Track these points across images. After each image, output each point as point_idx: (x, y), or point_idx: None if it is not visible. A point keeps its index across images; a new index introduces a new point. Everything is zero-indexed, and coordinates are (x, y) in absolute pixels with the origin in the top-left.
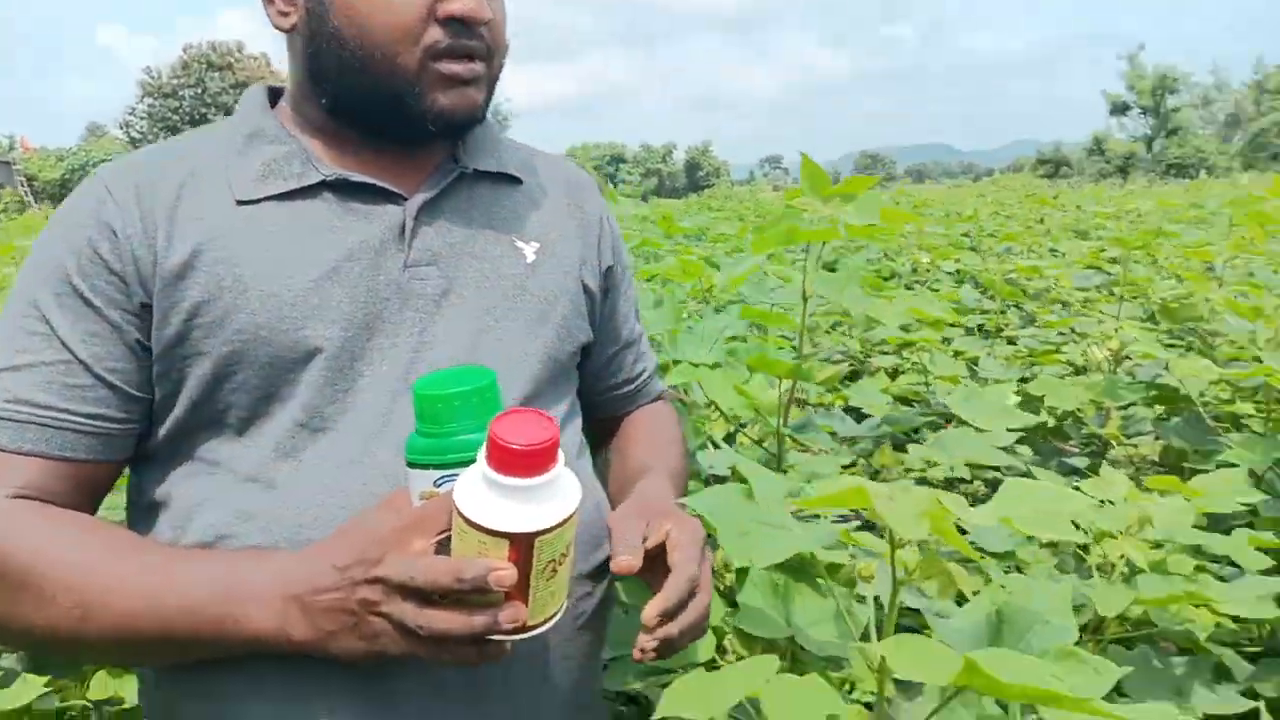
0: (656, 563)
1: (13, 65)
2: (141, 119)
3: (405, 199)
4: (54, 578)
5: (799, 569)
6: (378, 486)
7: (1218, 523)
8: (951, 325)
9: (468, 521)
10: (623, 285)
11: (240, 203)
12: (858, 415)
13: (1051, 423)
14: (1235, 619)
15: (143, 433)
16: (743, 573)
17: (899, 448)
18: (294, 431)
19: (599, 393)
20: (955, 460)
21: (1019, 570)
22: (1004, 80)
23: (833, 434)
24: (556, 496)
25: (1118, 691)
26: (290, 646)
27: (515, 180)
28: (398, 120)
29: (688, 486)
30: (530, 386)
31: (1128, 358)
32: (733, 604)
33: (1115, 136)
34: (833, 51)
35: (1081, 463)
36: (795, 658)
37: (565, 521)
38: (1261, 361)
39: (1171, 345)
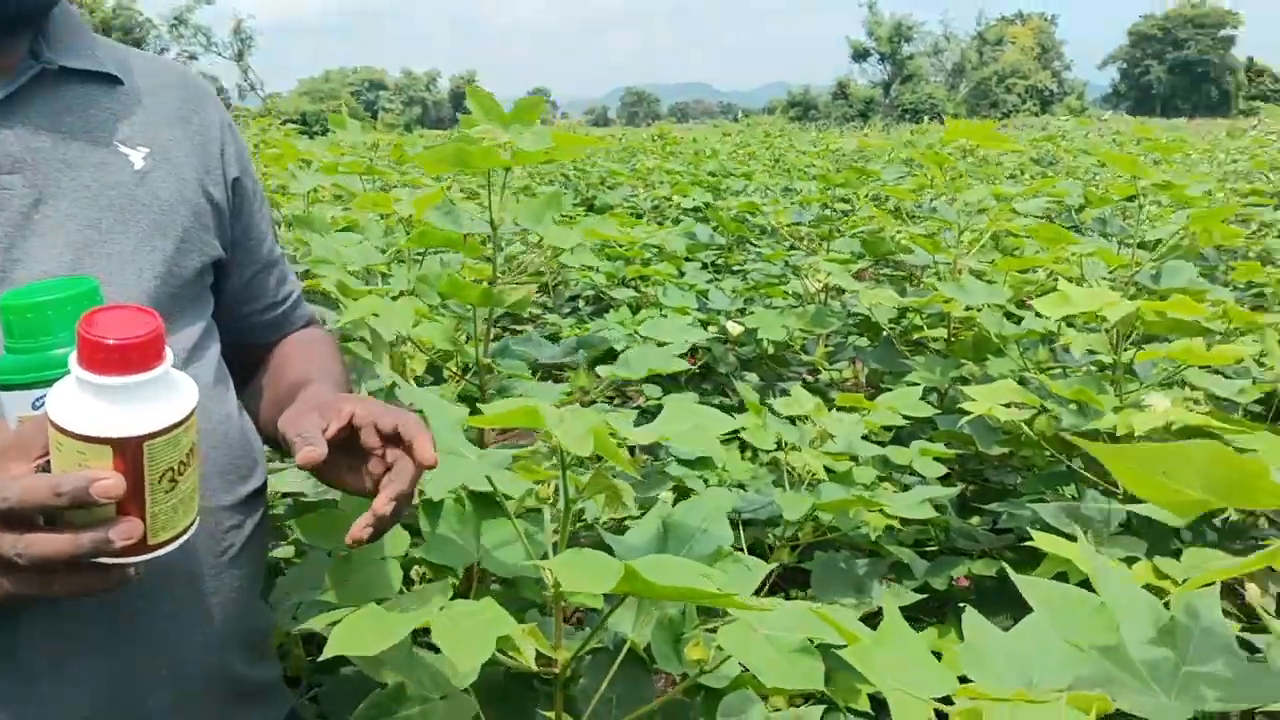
0: (344, 453)
1: None
2: None
3: None
4: None
5: (486, 496)
6: None
7: (911, 439)
8: (690, 258)
9: (62, 431)
10: (255, 201)
11: None
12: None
13: (770, 350)
14: (906, 521)
15: None
16: (430, 505)
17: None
18: None
19: (242, 318)
20: (637, 373)
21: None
22: (761, 21)
23: (533, 362)
24: (165, 397)
25: (806, 589)
26: None
27: (114, 80)
28: None
29: None
30: (154, 305)
31: (841, 290)
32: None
33: (857, 82)
34: None
35: (789, 387)
36: (484, 581)
37: (179, 425)
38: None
39: (891, 277)
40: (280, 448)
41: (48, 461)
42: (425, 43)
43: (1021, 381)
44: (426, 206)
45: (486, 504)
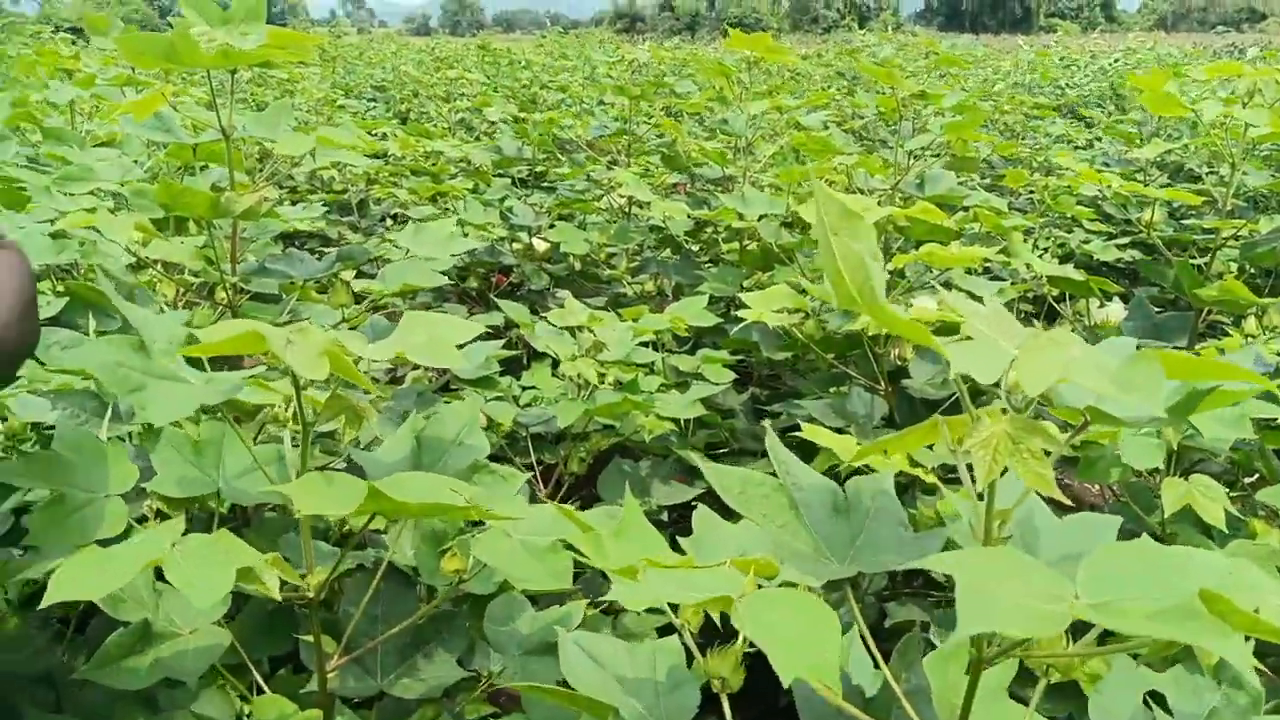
0: None
1: None
2: None
3: None
4: None
5: (222, 424)
6: None
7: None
8: (498, 175)
9: None
10: None
11: None
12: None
13: (578, 267)
14: (700, 425)
15: None
16: (153, 434)
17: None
18: None
19: None
20: (391, 287)
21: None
22: None
23: (287, 279)
24: None
25: (595, 498)
26: None
27: None
28: None
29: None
30: None
31: (644, 204)
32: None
33: None
34: None
35: (600, 302)
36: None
37: None
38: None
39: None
40: None
41: None
42: None
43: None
44: (147, 111)
45: (223, 431)
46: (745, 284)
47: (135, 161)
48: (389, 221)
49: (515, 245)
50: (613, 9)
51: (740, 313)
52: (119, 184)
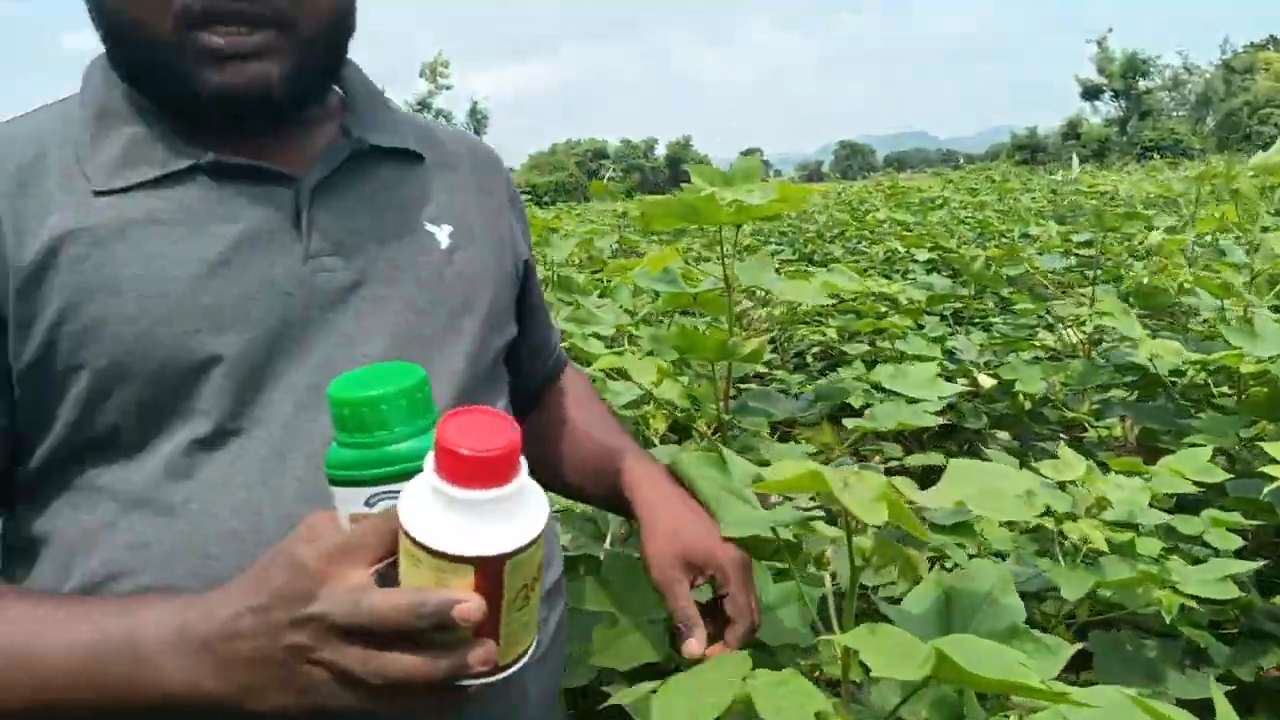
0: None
1: None
2: None
3: (295, 180)
4: None
5: (755, 551)
6: (294, 507)
7: (1196, 505)
8: (929, 311)
9: (422, 547)
10: (534, 274)
11: (99, 193)
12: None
13: (1027, 406)
14: (1201, 600)
15: (5, 468)
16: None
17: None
18: (189, 449)
19: (517, 374)
20: (885, 426)
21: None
22: (974, 65)
23: (769, 415)
24: (523, 510)
25: (1083, 672)
26: (209, 703)
27: (417, 156)
28: (187, 99)
29: None
30: (462, 386)
31: (1101, 341)
32: None
33: (1090, 121)
34: (804, 39)
35: (1055, 447)
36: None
37: (537, 540)
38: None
39: (1145, 327)
40: (576, 497)
41: (386, 567)
42: (644, 112)
43: None
44: (661, 265)
45: (758, 559)
46: (1243, 434)
47: (622, 308)
48: (809, 358)
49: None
50: (1010, 141)
51: (1266, 469)
52: (615, 328)
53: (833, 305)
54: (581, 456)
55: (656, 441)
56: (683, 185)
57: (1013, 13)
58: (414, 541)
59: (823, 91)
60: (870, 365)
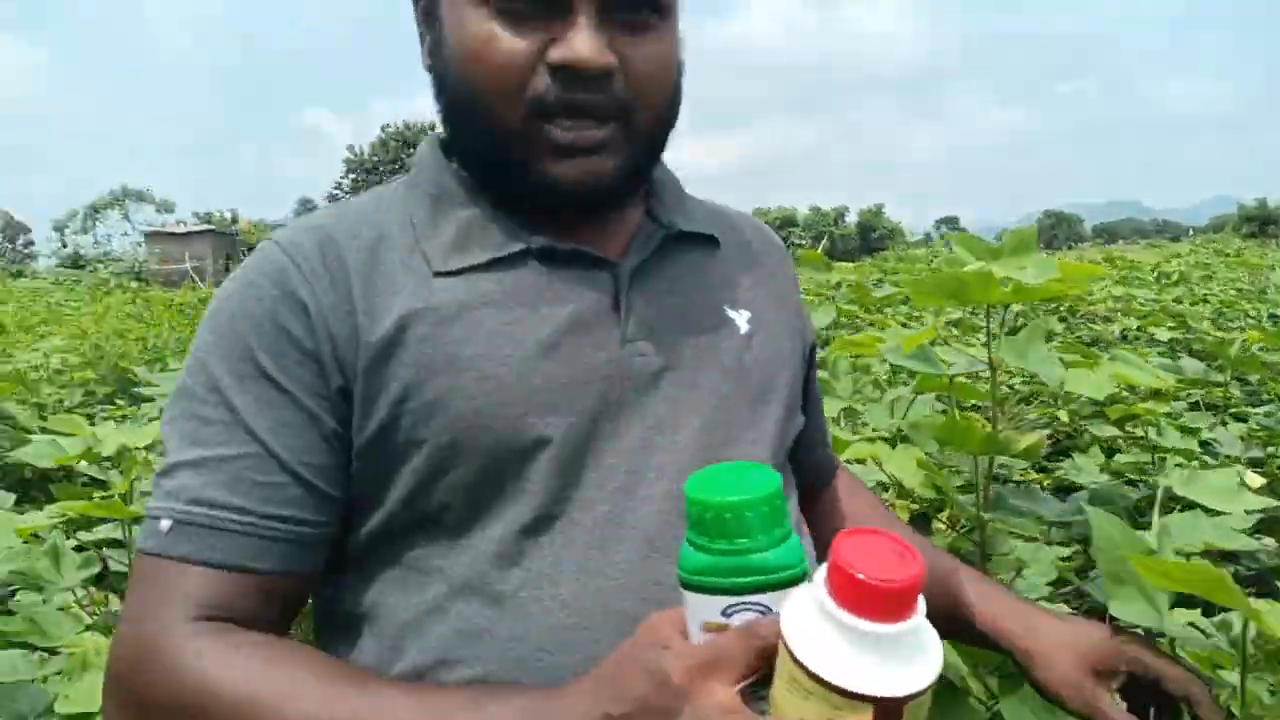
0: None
1: (231, 146)
2: (346, 193)
3: (615, 265)
4: None
5: None
6: (622, 602)
7: None
8: (1176, 398)
9: (815, 678)
10: (815, 355)
11: (438, 274)
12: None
13: None
14: None
15: (336, 537)
16: (1004, 678)
17: None
18: (518, 535)
19: (796, 471)
20: (1190, 546)
21: None
22: (1193, 133)
23: (1038, 518)
24: (922, 648)
25: None
26: None
27: (714, 241)
28: (520, 186)
29: None
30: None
31: None
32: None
33: None
34: (1009, 109)
35: None
36: None
37: (933, 683)
38: None
39: None
40: None
41: (749, 685)
42: (832, 182)
43: None
44: (916, 345)
45: None
46: None
47: (855, 391)
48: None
49: None
50: (1238, 212)
51: None
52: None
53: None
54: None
55: None
56: (874, 252)
57: (1239, 81)
58: (806, 671)
59: (1025, 159)
60: (1108, 454)
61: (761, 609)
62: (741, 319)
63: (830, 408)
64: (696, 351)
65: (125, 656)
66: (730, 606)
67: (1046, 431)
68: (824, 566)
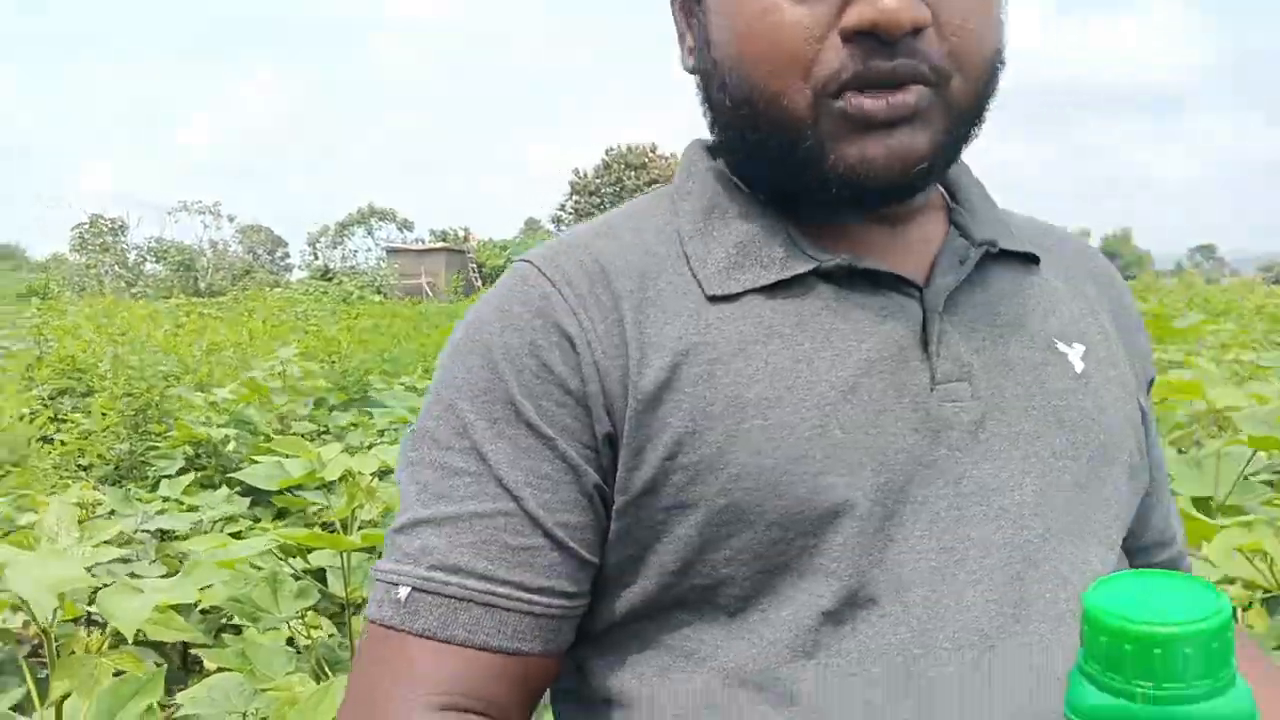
0: None
1: (462, 167)
2: (570, 214)
3: (920, 289)
4: None
5: None
6: (941, 710)
7: None
8: None
9: None
10: (1151, 407)
11: (713, 299)
12: None
13: None
14: None
15: (584, 610)
16: None
17: None
18: (817, 620)
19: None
20: None
21: None
22: None
23: None
24: None
25: None
26: None
27: (1032, 259)
28: (801, 184)
29: None
30: (1112, 558)
31: None
32: None
33: None
34: (1273, 129)
35: None
36: None
37: None
38: None
39: None
40: None
41: None
42: (1072, 204)
43: None
44: None
45: None
46: None
47: None
48: None
49: None
50: None
51: None
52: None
53: None
54: None
55: None
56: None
57: None
58: None
59: None
60: None
61: None
62: (1075, 355)
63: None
64: (1022, 394)
65: None
66: None
67: None
68: None
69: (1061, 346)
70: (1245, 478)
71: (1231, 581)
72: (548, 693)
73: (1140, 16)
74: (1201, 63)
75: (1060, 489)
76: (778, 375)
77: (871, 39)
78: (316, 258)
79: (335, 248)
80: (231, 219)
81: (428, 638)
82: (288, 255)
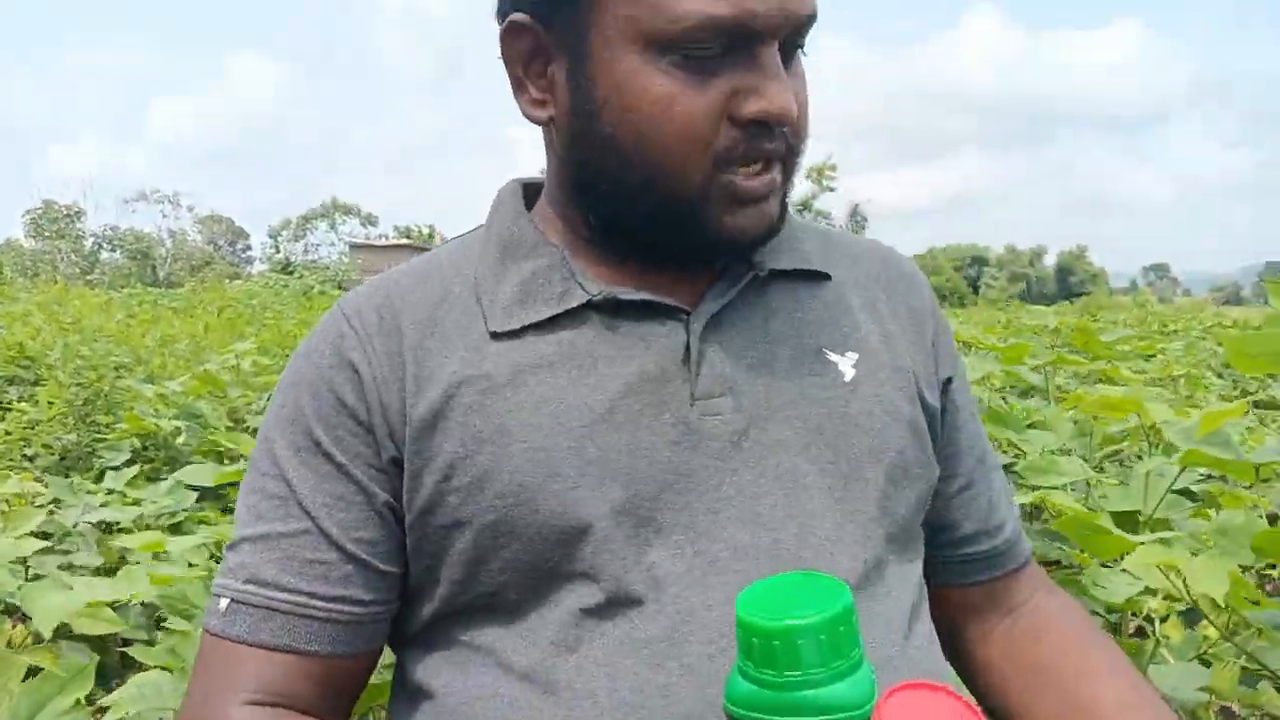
0: None
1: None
2: None
3: (686, 313)
4: None
5: None
6: (685, 702)
7: None
8: None
9: None
10: (962, 401)
11: (495, 335)
12: None
13: None
14: None
15: (398, 613)
16: None
17: None
18: (577, 619)
19: (938, 549)
20: None
21: None
22: None
23: None
24: None
25: None
26: None
27: (820, 276)
28: (679, 243)
29: None
30: (870, 557)
31: None
32: None
33: None
34: (1234, 152)
35: None
36: None
37: None
38: None
39: None
40: None
41: None
42: (1030, 222)
43: None
44: (1219, 423)
45: None
46: None
47: (1084, 459)
48: None
49: None
50: None
51: None
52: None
53: None
54: None
55: (1167, 654)
56: (1073, 298)
57: None
58: None
59: (1244, 208)
60: None
61: None
62: (847, 364)
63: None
64: (785, 404)
65: None
66: None
67: None
68: None
69: (832, 356)
70: (1172, 492)
71: (1153, 594)
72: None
73: (1108, 39)
74: (1167, 86)
75: (816, 493)
76: (542, 402)
77: (761, 125)
78: (278, 250)
79: (297, 241)
80: (191, 209)
81: (243, 643)
82: (249, 247)
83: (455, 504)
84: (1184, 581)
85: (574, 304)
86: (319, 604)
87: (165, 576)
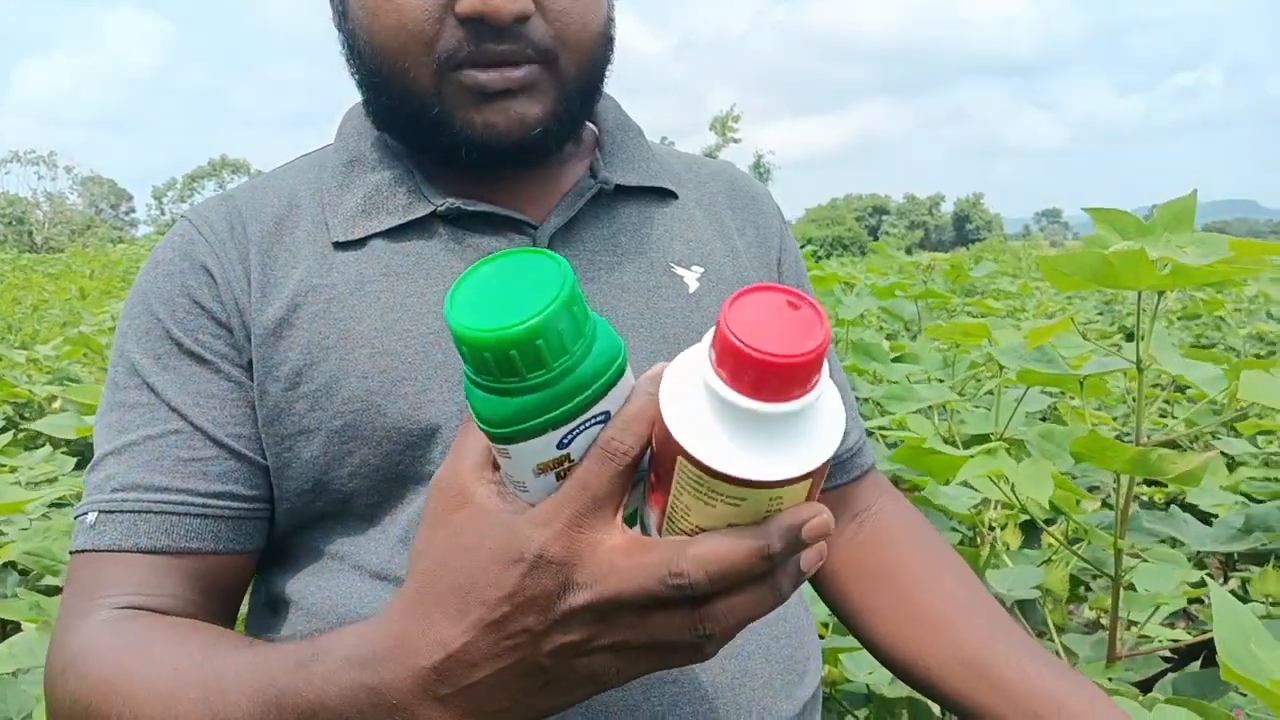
0: None
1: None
2: None
3: (535, 227)
4: (136, 706)
5: None
6: None
7: None
8: None
9: (727, 479)
10: None
11: (339, 245)
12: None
13: None
14: None
15: (272, 518)
16: None
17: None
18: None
19: None
20: None
21: None
22: None
23: (1173, 542)
24: (831, 400)
25: None
26: None
27: (668, 194)
28: (436, 144)
29: None
30: None
31: None
32: None
33: None
34: (1123, 100)
35: None
36: None
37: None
38: None
39: None
40: (915, 684)
41: (633, 512)
42: (930, 170)
43: None
44: (1045, 339)
45: None
46: None
47: (939, 381)
48: None
49: None
50: None
51: None
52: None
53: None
54: (951, 652)
55: (1006, 558)
56: (969, 244)
57: None
58: (715, 474)
59: (1135, 154)
60: (1231, 468)
61: (600, 418)
62: (691, 277)
63: (913, 406)
64: (633, 314)
65: (51, 666)
66: (567, 435)
67: (1214, 454)
68: (708, 342)
69: (679, 270)
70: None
71: (993, 505)
72: None
73: None
74: (1062, 33)
75: None
76: (389, 309)
77: (482, 24)
78: (163, 212)
79: (184, 201)
80: (69, 169)
81: (114, 551)
82: (133, 209)
83: (303, 411)
84: (1012, 488)
85: (419, 214)
86: (198, 499)
87: (13, 505)
